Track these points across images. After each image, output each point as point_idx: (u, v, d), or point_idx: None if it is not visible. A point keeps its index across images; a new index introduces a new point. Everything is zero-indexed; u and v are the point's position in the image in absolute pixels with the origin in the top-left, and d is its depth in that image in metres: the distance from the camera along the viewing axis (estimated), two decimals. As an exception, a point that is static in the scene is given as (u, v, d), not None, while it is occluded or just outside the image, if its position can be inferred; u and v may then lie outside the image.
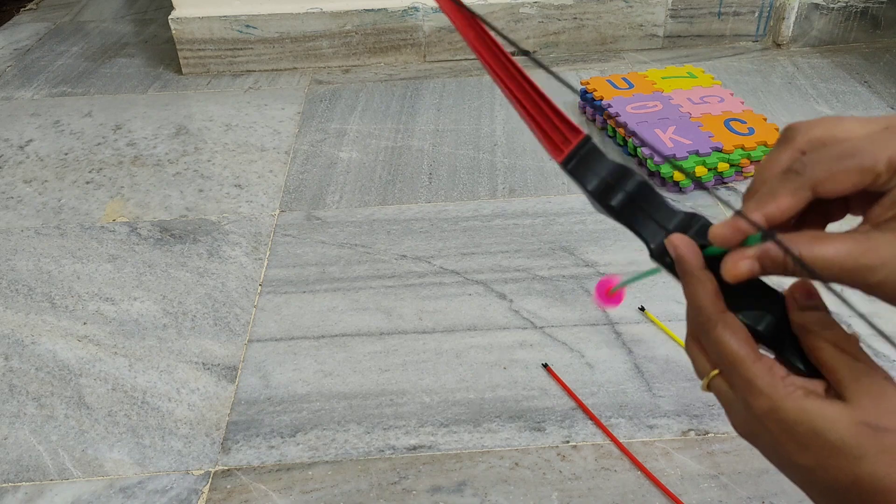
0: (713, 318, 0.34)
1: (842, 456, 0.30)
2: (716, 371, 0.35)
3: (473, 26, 0.36)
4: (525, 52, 0.38)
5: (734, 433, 0.71)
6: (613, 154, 1.16)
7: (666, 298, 0.87)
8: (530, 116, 0.37)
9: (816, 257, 0.32)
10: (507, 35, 1.49)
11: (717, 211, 1.02)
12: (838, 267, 0.31)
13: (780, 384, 0.32)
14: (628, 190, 0.36)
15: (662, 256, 0.36)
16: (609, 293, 0.41)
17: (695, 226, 0.36)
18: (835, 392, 0.32)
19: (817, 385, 0.33)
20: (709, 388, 0.36)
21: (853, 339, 0.33)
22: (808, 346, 0.33)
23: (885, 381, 0.32)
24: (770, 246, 0.32)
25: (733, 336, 0.33)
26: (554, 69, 1.45)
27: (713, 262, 0.34)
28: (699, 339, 0.36)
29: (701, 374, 0.36)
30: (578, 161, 0.36)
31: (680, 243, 0.35)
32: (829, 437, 0.31)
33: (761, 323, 0.34)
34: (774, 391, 0.32)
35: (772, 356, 0.34)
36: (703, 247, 0.35)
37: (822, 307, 0.34)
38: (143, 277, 0.96)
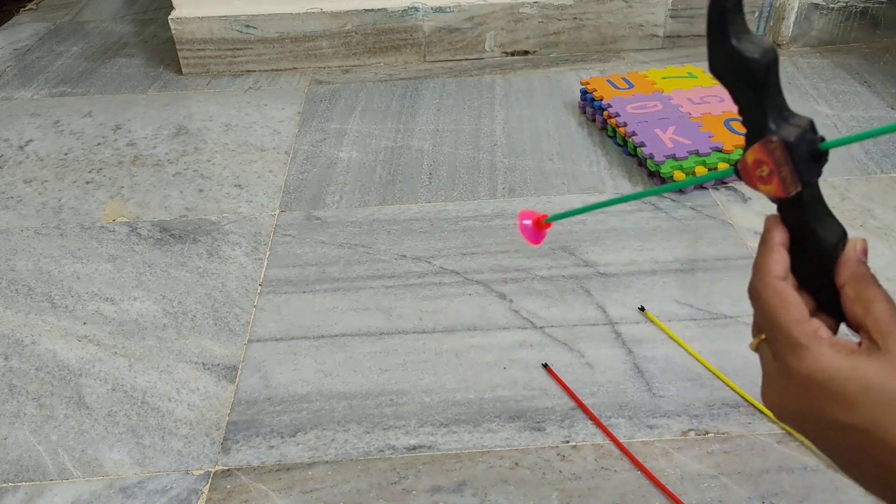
0: (766, 281, 0.35)
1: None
2: (763, 335, 0.36)
3: None
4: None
5: (734, 433, 0.71)
6: (613, 154, 1.16)
7: (666, 298, 0.87)
8: None
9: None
10: (508, 35, 1.49)
11: (717, 211, 1.02)
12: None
13: (826, 342, 0.33)
14: (770, 59, 0.35)
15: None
16: (538, 224, 0.41)
17: (808, 130, 0.35)
18: (870, 341, 0.33)
19: (852, 342, 0.33)
20: (757, 348, 0.37)
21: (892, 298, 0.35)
22: (860, 296, 0.35)
23: None
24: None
25: (781, 301, 0.34)
26: (554, 69, 1.45)
27: (804, 244, 0.36)
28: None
29: (755, 333, 0.37)
30: (734, 5, 0.36)
31: (773, 222, 0.37)
32: (886, 389, 0.31)
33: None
34: (821, 349, 0.32)
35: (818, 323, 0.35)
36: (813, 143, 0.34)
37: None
38: (143, 277, 0.96)
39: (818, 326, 0.34)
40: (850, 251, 0.36)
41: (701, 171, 1.05)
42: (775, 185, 0.34)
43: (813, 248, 0.36)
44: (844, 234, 0.37)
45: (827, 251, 0.36)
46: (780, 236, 0.36)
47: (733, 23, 0.35)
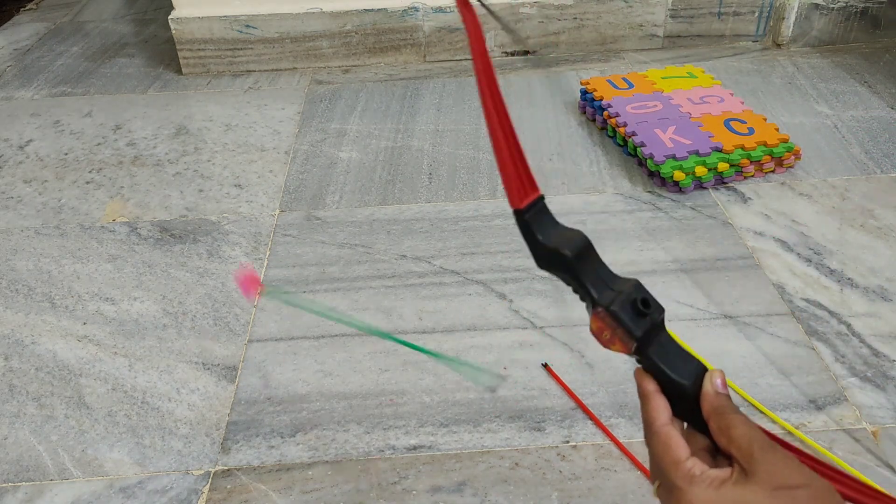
0: (651, 429, 0.39)
1: None
2: (658, 481, 0.38)
3: (480, 41, 0.40)
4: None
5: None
6: (613, 154, 1.16)
7: (666, 298, 0.87)
8: (508, 156, 0.42)
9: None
10: (507, 35, 1.49)
11: (717, 211, 1.02)
12: None
13: (698, 480, 0.35)
14: (578, 246, 0.40)
15: (601, 304, 0.40)
16: (249, 283, 0.45)
17: (629, 291, 0.40)
18: (740, 467, 0.36)
19: (727, 470, 0.36)
20: (656, 494, 0.39)
21: (752, 422, 0.38)
22: (720, 427, 0.37)
23: (782, 448, 0.36)
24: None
25: (664, 446, 0.37)
26: (554, 69, 1.45)
27: (668, 388, 0.39)
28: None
29: (652, 482, 0.40)
30: (535, 214, 0.41)
31: (640, 375, 0.41)
32: None
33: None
34: (693, 489, 0.35)
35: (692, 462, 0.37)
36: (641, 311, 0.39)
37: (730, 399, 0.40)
38: (143, 277, 0.96)
39: (693, 465, 0.36)
40: (708, 386, 0.39)
41: (701, 171, 1.05)
42: (619, 345, 0.39)
43: (675, 391, 0.39)
44: (702, 369, 0.40)
45: (686, 390, 0.39)
46: (650, 385, 0.40)
47: (540, 226, 0.41)
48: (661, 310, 0.40)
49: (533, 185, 0.41)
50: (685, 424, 0.40)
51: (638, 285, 0.40)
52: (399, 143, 1.23)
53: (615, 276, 0.41)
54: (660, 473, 0.38)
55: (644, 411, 0.40)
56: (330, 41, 1.48)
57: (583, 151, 1.18)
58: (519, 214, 0.41)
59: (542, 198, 0.42)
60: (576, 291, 0.41)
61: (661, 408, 0.39)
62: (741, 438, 0.36)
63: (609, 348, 0.40)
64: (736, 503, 0.34)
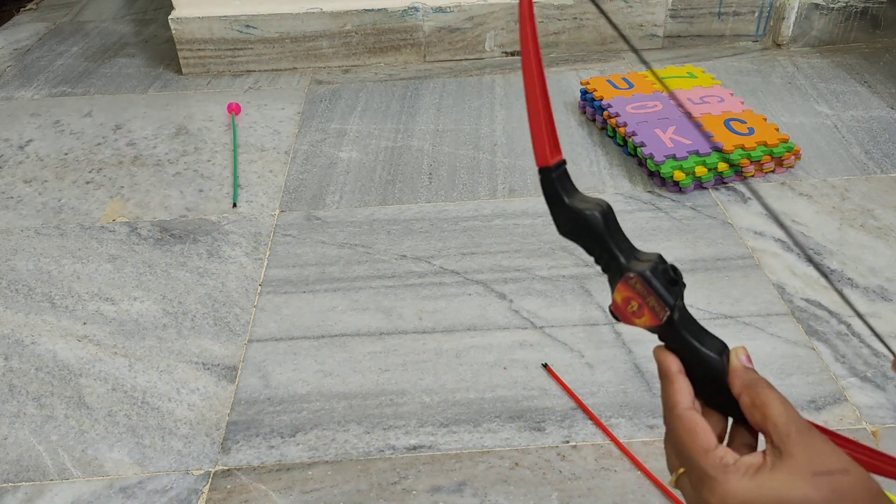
0: (674, 413, 0.37)
1: None
2: (682, 469, 0.36)
3: (530, 27, 0.39)
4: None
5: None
6: (613, 154, 1.16)
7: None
8: (543, 115, 0.39)
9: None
10: (508, 35, 1.49)
11: (717, 211, 1.02)
12: None
13: (732, 469, 0.33)
14: (605, 210, 0.39)
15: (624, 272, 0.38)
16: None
17: (656, 260, 0.38)
18: (773, 448, 0.34)
19: (759, 455, 0.34)
20: (676, 484, 0.37)
21: (786, 399, 0.36)
22: (755, 403, 0.36)
23: (819, 431, 0.34)
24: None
25: (690, 432, 0.35)
26: (554, 69, 1.45)
27: (692, 365, 0.38)
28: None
29: (671, 470, 0.38)
30: (560, 175, 0.39)
31: (662, 353, 0.39)
32: (793, 498, 0.32)
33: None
34: (727, 478, 0.33)
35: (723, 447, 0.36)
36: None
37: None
38: (143, 277, 0.96)
39: (724, 453, 0.34)
40: (735, 361, 0.37)
41: (701, 171, 1.05)
42: (647, 316, 0.37)
43: (702, 366, 0.38)
44: (724, 345, 0.39)
45: (714, 364, 0.38)
46: (674, 365, 0.38)
47: (564, 188, 0.39)
48: (685, 284, 0.38)
49: (559, 148, 0.39)
50: (700, 407, 0.38)
51: (662, 257, 0.38)
52: (399, 143, 1.23)
53: (636, 248, 0.39)
54: (686, 462, 0.36)
55: (666, 394, 0.38)
56: (330, 41, 1.48)
57: (583, 151, 1.18)
58: (546, 173, 0.39)
59: (564, 162, 0.40)
60: (598, 260, 0.39)
61: (685, 390, 0.37)
62: (778, 417, 0.34)
63: (633, 323, 0.38)
64: (775, 491, 0.32)
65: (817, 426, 0.36)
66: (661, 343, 0.39)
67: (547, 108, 0.39)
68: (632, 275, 0.37)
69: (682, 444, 0.36)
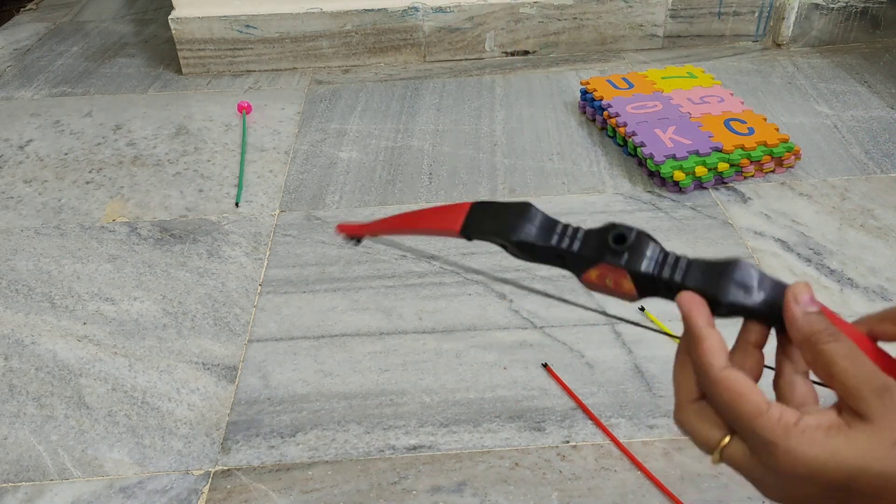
0: (711, 378, 0.31)
1: (892, 483, 0.28)
2: (726, 439, 0.32)
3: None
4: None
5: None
6: (613, 154, 1.16)
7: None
8: (422, 224, 0.40)
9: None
10: (508, 35, 1.49)
11: (717, 211, 1.02)
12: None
13: (797, 432, 0.29)
14: (524, 225, 0.38)
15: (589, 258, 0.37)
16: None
17: (611, 233, 0.36)
18: (848, 409, 0.30)
19: (829, 413, 0.30)
20: (721, 459, 0.32)
21: (859, 350, 0.31)
22: (818, 361, 0.31)
23: None
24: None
25: (735, 396, 0.31)
26: (554, 69, 1.45)
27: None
28: (706, 403, 0.33)
29: (708, 445, 0.32)
30: (476, 225, 0.39)
31: (688, 300, 0.33)
32: (872, 470, 0.28)
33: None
34: (790, 443, 0.29)
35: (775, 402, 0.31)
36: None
37: (825, 315, 0.31)
38: (143, 277, 0.96)
39: (781, 413, 0.30)
40: (793, 307, 0.32)
41: (701, 171, 1.05)
42: (626, 282, 0.35)
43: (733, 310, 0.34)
44: (771, 281, 0.34)
45: (753, 309, 0.33)
46: (700, 317, 0.32)
47: (487, 232, 0.39)
48: (649, 238, 0.36)
49: (457, 206, 0.39)
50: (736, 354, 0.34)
51: (613, 225, 0.37)
52: (399, 143, 1.23)
53: (579, 228, 0.38)
54: (736, 425, 0.31)
55: (695, 356, 0.32)
56: (330, 41, 1.48)
57: (583, 151, 1.18)
58: (465, 236, 0.39)
59: (473, 204, 0.39)
60: (561, 265, 0.38)
61: (717, 347, 0.31)
62: (848, 378, 0.30)
63: (618, 293, 0.35)
64: (852, 460, 0.28)
65: None
66: (685, 292, 0.34)
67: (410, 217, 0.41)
68: (600, 264, 0.35)
69: (727, 410, 0.31)
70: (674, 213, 1.02)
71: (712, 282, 0.33)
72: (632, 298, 0.36)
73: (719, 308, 0.33)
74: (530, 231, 0.37)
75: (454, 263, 0.95)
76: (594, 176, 1.11)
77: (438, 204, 1.06)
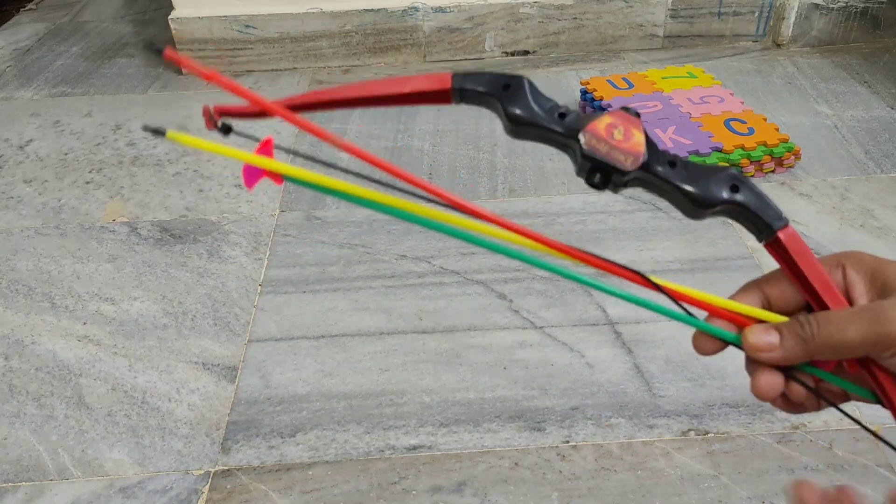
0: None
1: None
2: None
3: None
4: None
5: (734, 433, 0.71)
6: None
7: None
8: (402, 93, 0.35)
9: (839, 343, 0.30)
10: (508, 35, 1.49)
11: (717, 211, 1.02)
12: (862, 346, 0.30)
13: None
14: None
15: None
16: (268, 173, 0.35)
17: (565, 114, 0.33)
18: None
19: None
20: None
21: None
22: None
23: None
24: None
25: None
26: (554, 69, 1.45)
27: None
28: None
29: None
30: (463, 82, 0.35)
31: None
32: None
33: None
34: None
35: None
36: None
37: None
38: (143, 277, 0.96)
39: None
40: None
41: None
42: (637, 134, 0.32)
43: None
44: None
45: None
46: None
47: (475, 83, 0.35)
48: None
49: (439, 78, 0.35)
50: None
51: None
52: (399, 143, 1.23)
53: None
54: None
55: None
56: (330, 41, 1.48)
57: (583, 151, 1.18)
58: (458, 92, 0.35)
59: (454, 75, 0.35)
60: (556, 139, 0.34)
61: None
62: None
63: (624, 151, 0.32)
64: None
65: None
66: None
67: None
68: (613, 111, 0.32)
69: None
70: (674, 213, 1.02)
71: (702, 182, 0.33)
72: (635, 160, 0.32)
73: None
74: (529, 86, 0.34)
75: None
76: (594, 176, 1.11)
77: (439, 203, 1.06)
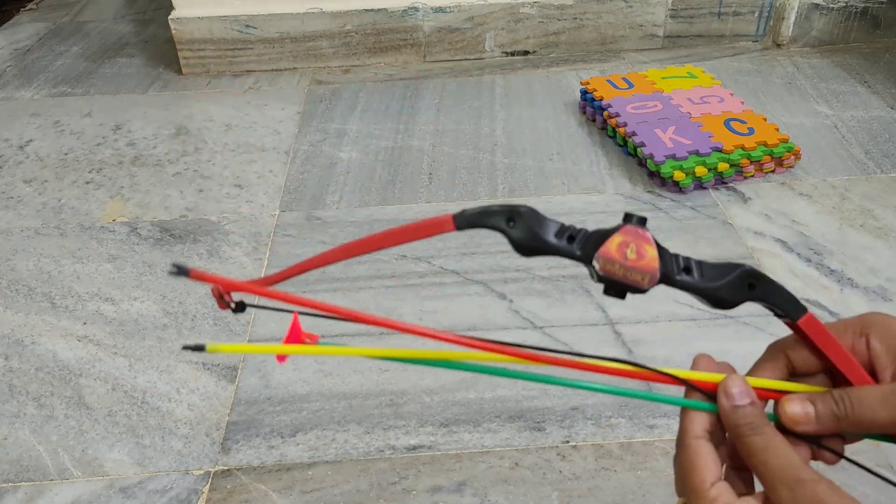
0: (682, 441, 0.35)
1: None
2: (680, 500, 0.35)
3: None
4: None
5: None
6: (613, 154, 1.16)
7: (666, 299, 0.87)
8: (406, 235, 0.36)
9: (871, 423, 0.34)
10: (508, 35, 1.49)
11: (717, 211, 1.02)
12: (891, 426, 0.34)
13: None
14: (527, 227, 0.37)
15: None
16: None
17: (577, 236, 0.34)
18: (768, 499, 0.32)
19: (754, 501, 0.32)
20: None
21: (781, 441, 0.33)
22: (742, 451, 0.33)
23: (816, 483, 0.31)
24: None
25: (691, 466, 0.33)
26: (554, 69, 1.45)
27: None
28: None
29: (678, 494, 0.36)
30: (465, 224, 0.37)
31: (697, 361, 0.37)
32: None
33: None
34: None
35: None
36: None
37: (757, 402, 0.34)
38: (143, 277, 0.96)
39: (717, 494, 0.32)
40: (723, 401, 0.34)
41: (701, 171, 1.05)
42: (649, 253, 0.33)
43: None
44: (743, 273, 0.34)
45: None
46: (697, 394, 0.35)
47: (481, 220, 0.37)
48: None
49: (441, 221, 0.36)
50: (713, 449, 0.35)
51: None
52: (399, 143, 1.23)
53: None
54: (684, 492, 0.34)
55: (682, 420, 0.35)
56: (330, 41, 1.48)
57: (583, 151, 1.18)
58: (459, 227, 0.36)
59: (459, 213, 0.37)
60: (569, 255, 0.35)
61: (699, 417, 0.35)
62: (763, 469, 0.32)
63: (639, 269, 0.33)
64: None
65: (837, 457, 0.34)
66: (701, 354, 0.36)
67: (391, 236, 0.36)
68: (624, 227, 0.33)
69: (681, 475, 0.34)
70: (674, 214, 1.02)
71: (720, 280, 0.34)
72: (651, 278, 0.33)
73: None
74: (533, 213, 0.35)
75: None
76: (594, 176, 1.11)
77: (437, 204, 1.07)
